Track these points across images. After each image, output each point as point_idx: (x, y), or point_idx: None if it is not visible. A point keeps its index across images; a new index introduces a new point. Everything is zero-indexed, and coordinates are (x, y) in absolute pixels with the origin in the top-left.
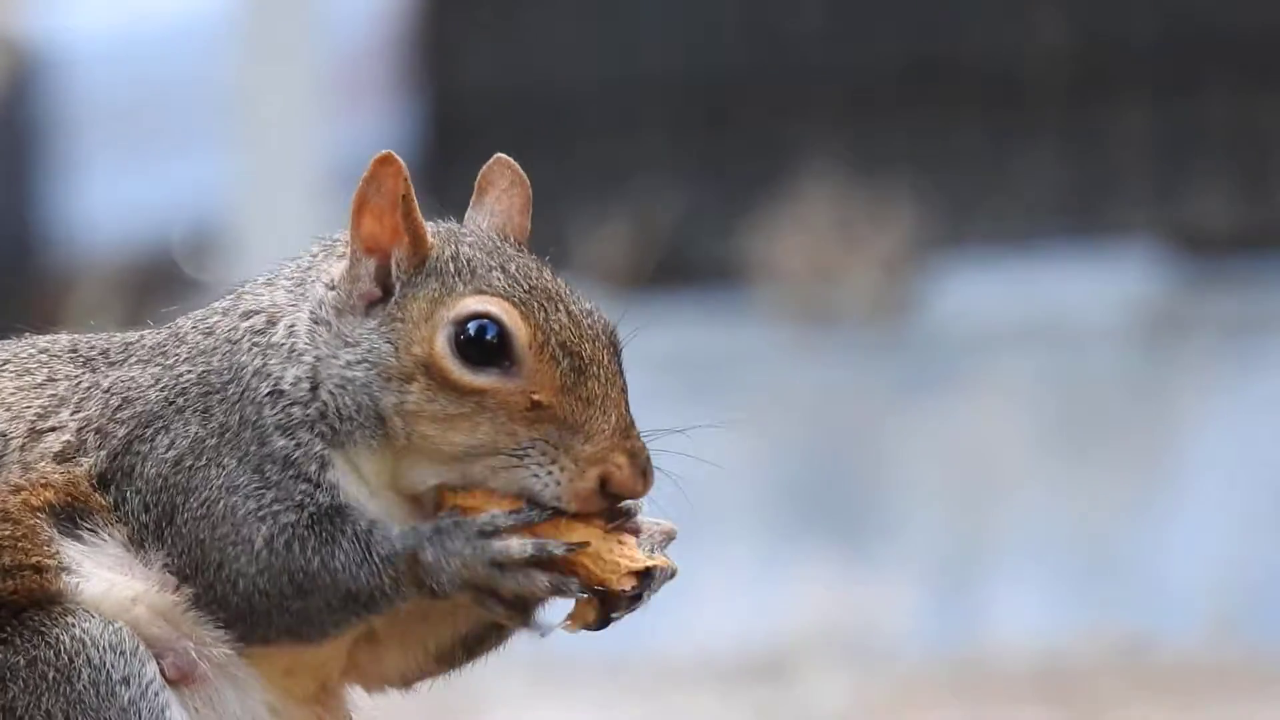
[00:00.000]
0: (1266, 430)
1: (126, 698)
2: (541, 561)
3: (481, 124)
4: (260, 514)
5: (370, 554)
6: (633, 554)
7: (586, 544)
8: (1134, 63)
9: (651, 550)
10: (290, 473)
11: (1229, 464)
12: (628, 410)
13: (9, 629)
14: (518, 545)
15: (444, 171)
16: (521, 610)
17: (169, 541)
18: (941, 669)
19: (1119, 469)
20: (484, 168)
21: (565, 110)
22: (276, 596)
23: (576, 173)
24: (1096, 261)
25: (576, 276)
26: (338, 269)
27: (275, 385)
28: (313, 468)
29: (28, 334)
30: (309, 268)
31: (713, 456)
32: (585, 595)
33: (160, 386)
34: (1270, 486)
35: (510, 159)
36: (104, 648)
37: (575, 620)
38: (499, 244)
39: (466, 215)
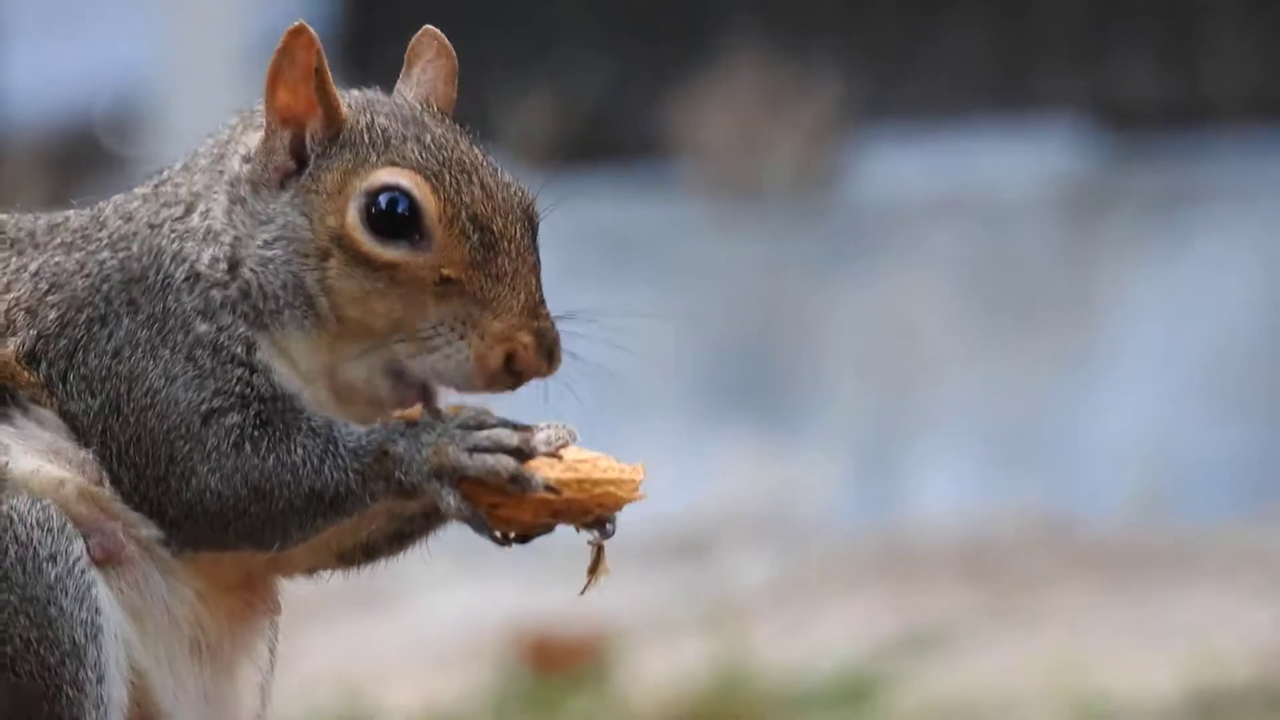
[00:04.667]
0: (1192, 306)
1: (53, 575)
2: (523, 454)
3: None
4: (203, 408)
5: (336, 447)
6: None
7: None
8: None
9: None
10: (221, 357)
11: (1154, 340)
12: (539, 288)
13: None
14: (506, 433)
15: (366, 45)
16: (473, 515)
17: (117, 430)
18: (864, 546)
19: (1044, 344)
20: (413, 40)
21: None
22: (231, 499)
23: (499, 45)
24: (1021, 135)
25: (498, 150)
26: (254, 140)
27: (192, 268)
28: (239, 349)
29: None
30: (227, 140)
31: (633, 334)
32: (547, 490)
33: (85, 274)
34: (1195, 363)
35: (437, 30)
36: (31, 524)
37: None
38: (418, 114)
39: (395, 88)
